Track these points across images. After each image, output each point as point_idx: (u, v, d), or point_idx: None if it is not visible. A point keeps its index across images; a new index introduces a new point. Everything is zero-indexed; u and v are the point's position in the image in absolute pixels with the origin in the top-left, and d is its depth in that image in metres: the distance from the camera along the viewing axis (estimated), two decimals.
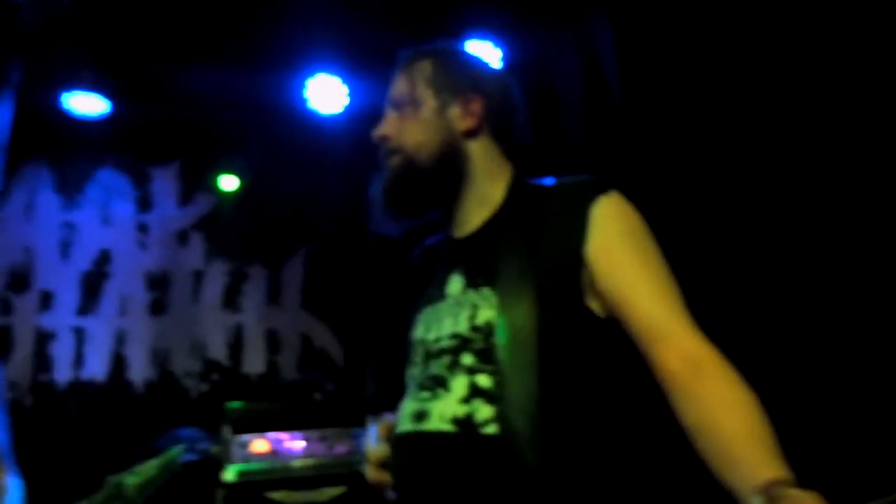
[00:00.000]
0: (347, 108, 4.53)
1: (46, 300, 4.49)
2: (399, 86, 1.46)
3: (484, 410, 1.19)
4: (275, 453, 2.98)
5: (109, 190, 4.66)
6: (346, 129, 4.60)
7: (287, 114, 4.52)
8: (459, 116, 1.42)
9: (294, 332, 4.73)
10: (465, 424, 1.20)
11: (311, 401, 3.19)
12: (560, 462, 1.16)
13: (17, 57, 0.82)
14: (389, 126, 1.45)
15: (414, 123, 1.42)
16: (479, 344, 1.24)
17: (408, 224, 1.45)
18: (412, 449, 1.28)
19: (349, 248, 4.82)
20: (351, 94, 4.49)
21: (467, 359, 1.25)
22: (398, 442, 1.33)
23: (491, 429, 1.17)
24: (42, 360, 4.41)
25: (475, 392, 1.21)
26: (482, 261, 1.32)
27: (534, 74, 4.51)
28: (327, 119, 4.55)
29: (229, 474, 2.92)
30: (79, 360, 4.45)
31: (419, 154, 1.40)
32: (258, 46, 4.32)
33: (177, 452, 2.13)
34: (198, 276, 4.72)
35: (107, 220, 4.66)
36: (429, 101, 1.43)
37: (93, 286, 4.57)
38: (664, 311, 1.17)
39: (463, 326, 1.28)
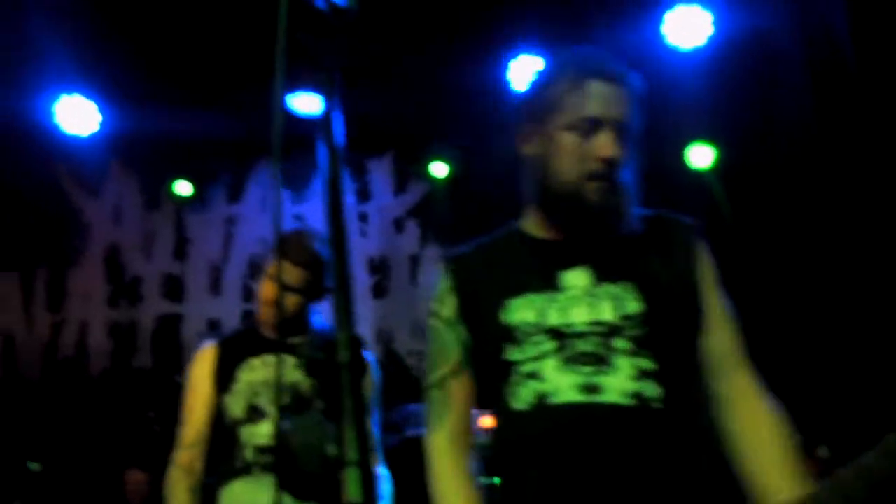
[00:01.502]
0: None
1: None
2: (628, 110, 1.49)
3: (651, 389, 1.36)
4: None
5: None
6: None
7: (494, 98, 4.59)
8: None
9: None
10: (641, 399, 1.35)
11: None
12: (702, 436, 1.42)
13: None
14: (619, 151, 1.48)
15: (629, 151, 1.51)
16: (633, 331, 1.39)
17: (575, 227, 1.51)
18: (586, 419, 1.35)
19: None
20: None
21: (621, 343, 1.39)
22: (559, 411, 1.36)
23: (658, 405, 1.35)
24: None
25: (642, 373, 1.37)
26: (613, 260, 1.46)
27: (749, 40, 4.26)
28: None
29: None
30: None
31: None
32: (460, 34, 4.41)
33: None
34: (414, 261, 4.94)
35: None
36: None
37: None
38: (732, 347, 1.47)
39: (609, 315, 1.41)
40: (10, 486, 4.22)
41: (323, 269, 2.26)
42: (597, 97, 1.44)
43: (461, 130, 4.79)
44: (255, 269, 4.95)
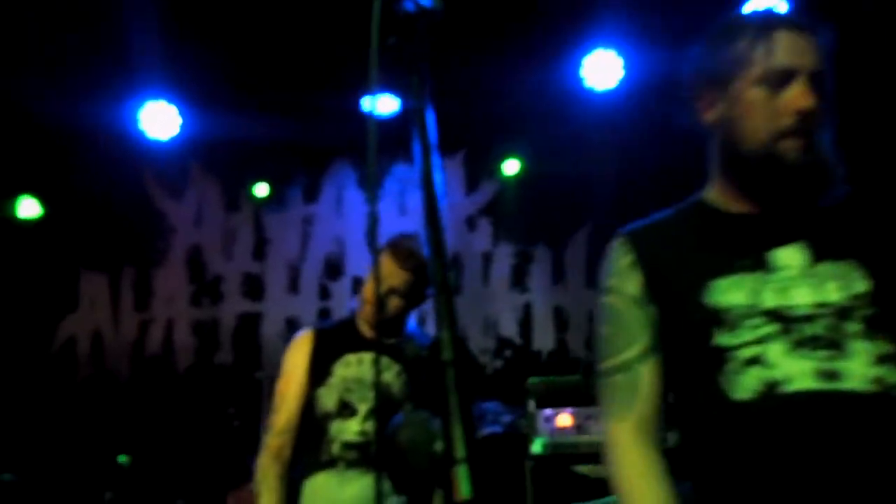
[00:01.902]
0: (623, 82, 4.48)
1: (358, 285, 4.99)
2: (822, 59, 1.35)
3: (892, 374, 1.24)
4: (579, 427, 3.04)
5: (404, 182, 5.04)
6: (622, 103, 4.55)
7: (563, 94, 4.57)
8: None
9: (581, 310, 4.79)
10: (883, 385, 1.23)
11: None
12: None
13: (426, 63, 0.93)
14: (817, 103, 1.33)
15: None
16: (864, 312, 1.27)
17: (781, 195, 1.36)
18: (827, 408, 1.22)
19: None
20: (626, 68, 4.43)
21: (853, 326, 1.26)
22: (793, 401, 1.23)
23: None
24: None
25: (880, 357, 1.25)
26: (830, 234, 1.32)
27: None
28: (603, 96, 4.54)
29: (537, 447, 3.02)
30: None
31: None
32: (531, 32, 4.40)
33: None
34: (486, 258, 4.95)
35: (403, 210, 5.04)
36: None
37: None
38: None
39: (836, 296, 1.28)
40: (102, 479, 4.40)
41: (427, 276, 2.29)
42: (786, 46, 1.31)
43: (532, 128, 4.78)
44: (330, 268, 5.05)
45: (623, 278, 1.41)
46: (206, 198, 5.16)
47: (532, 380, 3.20)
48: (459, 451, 0.77)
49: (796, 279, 1.31)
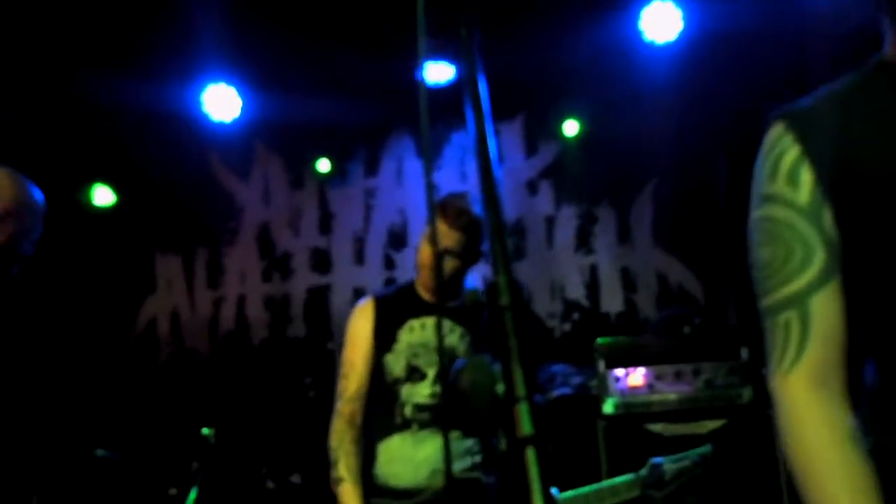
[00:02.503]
0: (682, 35, 4.36)
1: None
2: None
3: None
4: (650, 387, 3.03)
5: (464, 150, 5.04)
6: (682, 56, 4.44)
7: (621, 50, 4.48)
8: None
9: (648, 269, 4.73)
10: None
11: (681, 335, 3.18)
12: None
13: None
14: None
15: None
16: None
17: None
18: None
19: (695, 181, 4.67)
20: (685, 20, 4.32)
21: None
22: None
23: None
24: None
25: None
26: None
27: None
28: (662, 49, 4.43)
29: (608, 407, 3.03)
30: None
31: None
32: None
33: (705, 451, 2.23)
34: (549, 222, 4.92)
35: (464, 177, 5.05)
36: None
37: None
38: None
39: None
40: (188, 451, 4.58)
41: (480, 232, 2.30)
42: None
43: (591, 87, 4.71)
44: (393, 239, 5.10)
45: (787, 180, 1.09)
46: (271, 176, 5.26)
47: (601, 340, 3.21)
48: (520, 389, 0.78)
49: None
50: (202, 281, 5.26)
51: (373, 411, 2.38)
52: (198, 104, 4.74)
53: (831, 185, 1.06)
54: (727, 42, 4.30)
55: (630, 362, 3.09)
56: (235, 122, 4.80)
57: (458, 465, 2.22)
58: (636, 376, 3.06)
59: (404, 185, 5.12)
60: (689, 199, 4.66)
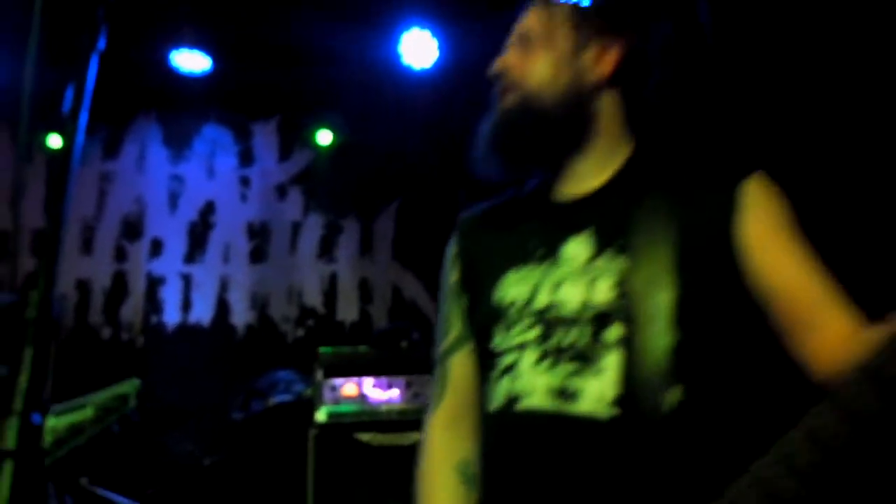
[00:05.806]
0: (437, 63, 4.57)
1: (157, 248, 4.81)
2: (530, 20, 1.28)
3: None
4: (363, 397, 3.13)
5: (214, 144, 4.90)
6: (438, 83, 4.65)
7: (381, 69, 4.60)
8: (593, 61, 1.23)
9: (385, 282, 4.88)
10: (627, 407, 1.06)
11: (399, 348, 3.32)
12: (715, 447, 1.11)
13: (104, 24, 0.89)
14: (511, 58, 1.27)
15: (542, 60, 1.24)
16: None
17: (511, 172, 1.31)
18: (552, 432, 1.08)
19: (439, 202, 4.90)
20: (441, 48, 4.53)
21: (614, 333, 1.10)
22: (523, 420, 1.11)
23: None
24: (153, 303, 4.74)
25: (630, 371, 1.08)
26: (617, 226, 1.16)
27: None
28: (418, 74, 4.61)
29: (321, 415, 3.08)
30: (186, 305, 4.75)
31: (541, 94, 1.23)
32: (352, 1, 4.40)
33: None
34: (296, 227, 4.93)
35: (211, 173, 4.91)
36: (564, 38, 1.24)
37: (198, 235, 4.85)
38: (821, 298, 1.07)
39: (603, 297, 1.11)
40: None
41: None
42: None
43: (348, 100, 4.79)
44: (128, 228, 4.83)
45: (450, 266, 1.38)
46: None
47: (323, 349, 3.26)
48: (17, 403, 0.79)
49: (566, 274, 1.17)
50: None
51: None
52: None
53: (464, 279, 1.35)
54: (478, 75, 4.57)
55: (348, 372, 3.17)
56: None
57: None
58: (350, 386, 3.15)
59: (145, 173, 4.88)
60: (431, 219, 4.88)
